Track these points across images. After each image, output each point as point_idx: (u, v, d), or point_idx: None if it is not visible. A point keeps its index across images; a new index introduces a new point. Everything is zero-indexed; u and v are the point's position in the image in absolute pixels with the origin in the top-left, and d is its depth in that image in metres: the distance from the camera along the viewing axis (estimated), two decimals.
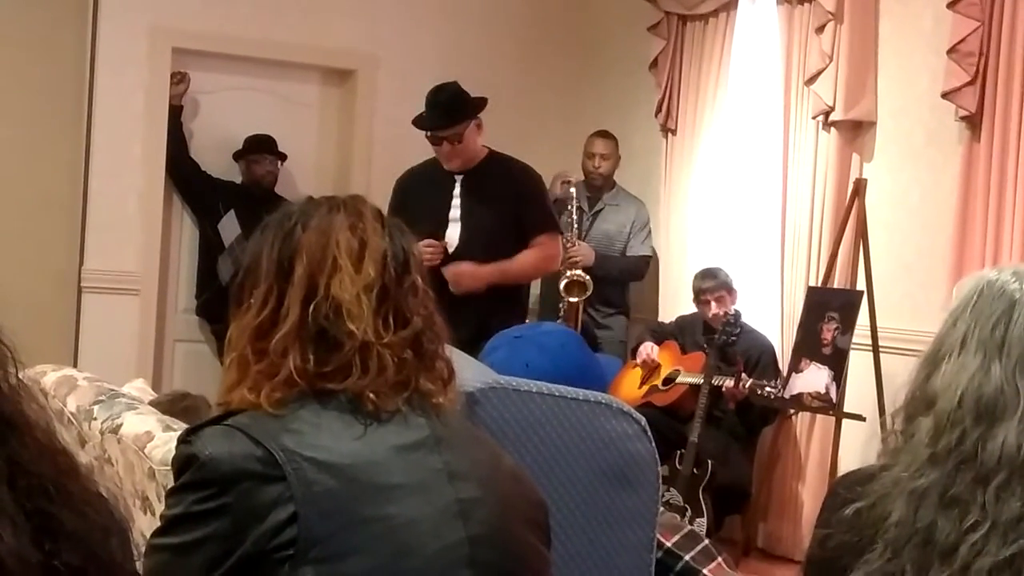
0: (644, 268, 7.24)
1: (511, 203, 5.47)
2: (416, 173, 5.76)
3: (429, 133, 5.59)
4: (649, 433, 2.34)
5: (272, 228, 1.97)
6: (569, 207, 6.86)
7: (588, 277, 6.75)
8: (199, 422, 1.88)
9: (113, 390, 3.54)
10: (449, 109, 5.57)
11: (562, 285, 6.70)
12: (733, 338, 6.32)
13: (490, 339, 2.73)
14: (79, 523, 1.21)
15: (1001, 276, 1.80)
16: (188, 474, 1.81)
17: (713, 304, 6.46)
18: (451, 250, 5.47)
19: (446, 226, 5.52)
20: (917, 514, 1.68)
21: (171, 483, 1.88)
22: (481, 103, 5.62)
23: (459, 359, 2.06)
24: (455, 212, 5.53)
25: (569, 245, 6.67)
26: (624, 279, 7.21)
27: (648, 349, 6.59)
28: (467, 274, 5.41)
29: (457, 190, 5.54)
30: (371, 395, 1.86)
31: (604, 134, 7.34)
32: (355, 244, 1.92)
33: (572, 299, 6.71)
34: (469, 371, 2.25)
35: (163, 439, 3.08)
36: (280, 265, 1.92)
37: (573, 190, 6.91)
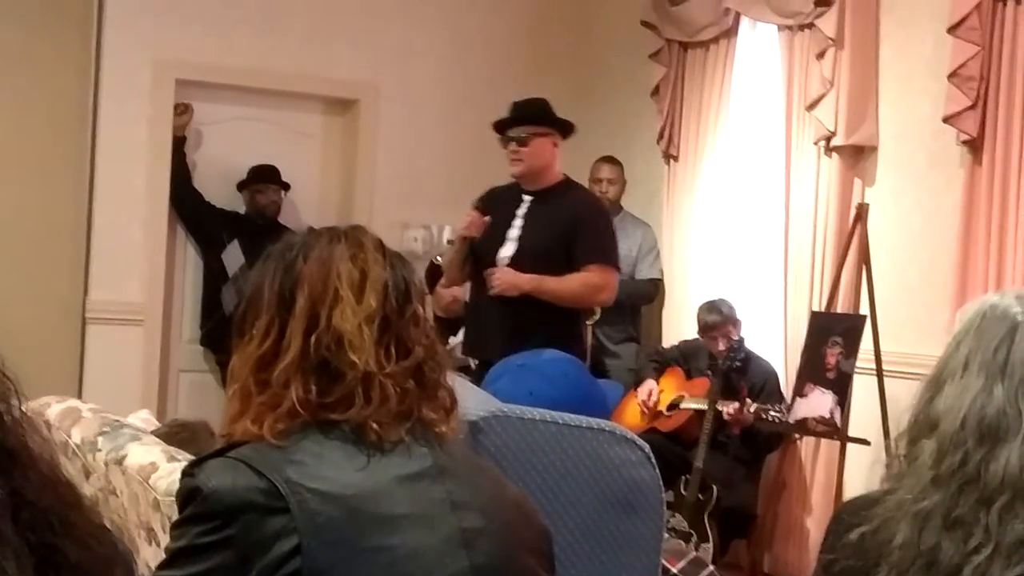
0: (654, 291, 7.24)
1: (567, 228, 5.44)
2: (495, 191, 5.73)
3: (501, 136, 5.58)
4: (653, 460, 2.35)
5: (274, 259, 1.98)
6: None
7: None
8: (203, 455, 1.88)
9: (117, 421, 3.54)
10: (526, 111, 5.60)
11: None
12: (738, 364, 6.31)
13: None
14: (83, 555, 1.21)
15: (1004, 300, 1.81)
16: (192, 507, 1.81)
17: (720, 340, 6.45)
18: (501, 266, 5.44)
19: (503, 243, 5.50)
20: (921, 537, 1.68)
21: (175, 514, 1.88)
22: (566, 124, 5.62)
23: (461, 388, 2.06)
24: (514, 231, 5.49)
25: None
26: (633, 303, 7.20)
27: (648, 391, 6.56)
28: (507, 275, 5.39)
29: (522, 210, 5.52)
30: (374, 425, 1.87)
31: (610, 159, 7.36)
32: (356, 275, 1.93)
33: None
34: (472, 399, 2.25)
35: (167, 469, 3.09)
36: (282, 296, 1.93)
37: None
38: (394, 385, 1.89)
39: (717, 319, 6.48)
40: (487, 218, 5.46)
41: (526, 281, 5.37)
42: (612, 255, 5.57)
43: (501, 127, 5.60)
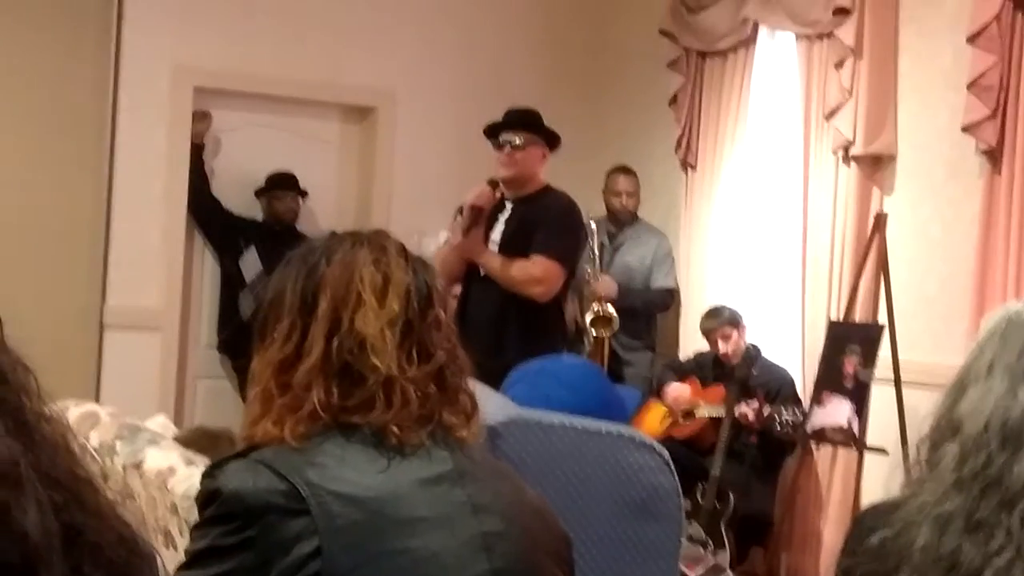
0: (669, 300, 7.24)
1: (536, 229, 5.52)
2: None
3: (495, 139, 5.65)
4: (671, 465, 2.35)
5: (296, 263, 1.98)
6: (590, 243, 6.86)
7: (615, 313, 6.75)
8: (223, 457, 1.89)
9: (135, 425, 3.56)
10: (523, 117, 5.70)
11: (588, 320, 6.70)
12: (754, 371, 6.32)
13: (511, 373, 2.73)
14: (105, 536, 1.22)
15: None
16: (212, 508, 1.82)
17: (721, 343, 6.48)
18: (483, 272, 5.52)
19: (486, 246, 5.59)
20: (942, 539, 1.68)
21: (193, 517, 1.89)
22: (555, 135, 5.69)
23: (480, 393, 2.07)
24: (496, 235, 5.58)
25: (591, 280, 6.68)
26: (648, 311, 7.21)
27: (676, 392, 6.57)
28: (472, 241, 5.49)
29: (505, 215, 5.60)
30: (395, 429, 1.87)
31: (626, 170, 7.36)
32: (379, 279, 1.93)
33: (598, 334, 6.71)
34: (491, 405, 2.25)
35: (185, 474, 3.10)
36: (304, 299, 1.93)
37: (594, 225, 6.91)
38: (415, 389, 1.89)
39: (715, 322, 6.51)
40: (498, 192, 5.52)
41: (477, 248, 5.50)
42: (561, 252, 5.54)
43: (494, 131, 5.67)
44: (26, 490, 1.14)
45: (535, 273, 5.46)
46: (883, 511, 1.83)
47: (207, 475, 1.85)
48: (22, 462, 1.15)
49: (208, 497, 1.82)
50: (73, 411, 3.74)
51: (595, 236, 6.91)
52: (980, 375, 1.78)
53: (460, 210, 5.57)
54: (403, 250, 2.00)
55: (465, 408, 1.96)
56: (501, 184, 5.59)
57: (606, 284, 6.88)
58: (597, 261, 6.87)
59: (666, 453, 2.36)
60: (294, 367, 1.89)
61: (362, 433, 1.87)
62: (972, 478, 1.71)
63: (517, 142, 5.57)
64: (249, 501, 1.78)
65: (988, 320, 1.87)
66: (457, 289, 5.56)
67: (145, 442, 3.42)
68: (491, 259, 5.49)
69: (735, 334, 6.48)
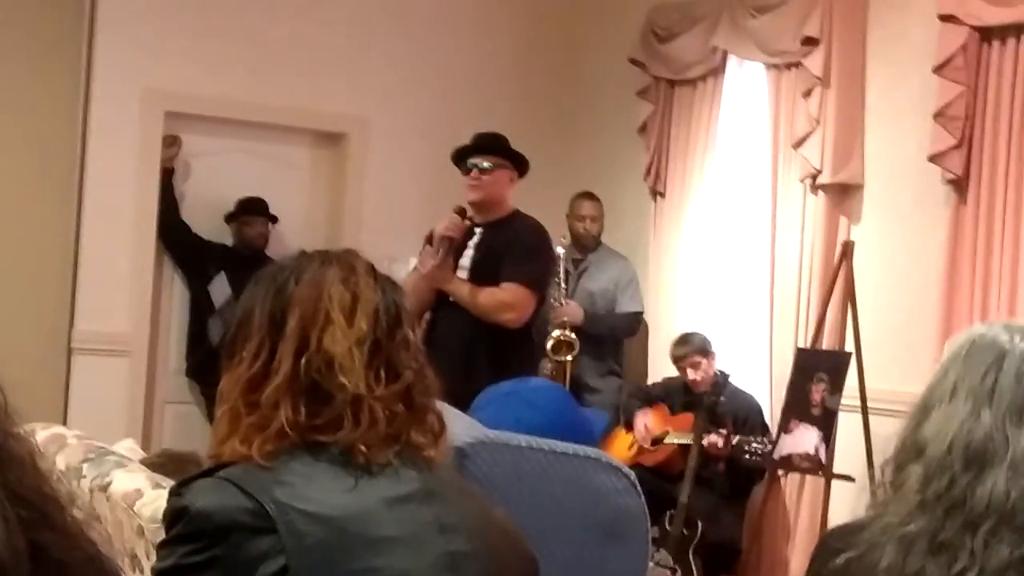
0: (636, 324, 7.24)
1: (506, 255, 5.52)
2: None
3: (463, 164, 5.65)
4: (638, 488, 2.35)
5: (265, 281, 1.98)
6: (556, 268, 6.87)
7: (575, 337, 6.76)
8: (190, 475, 1.89)
9: (102, 448, 3.53)
10: (491, 141, 5.71)
11: (549, 345, 6.70)
12: (721, 398, 6.33)
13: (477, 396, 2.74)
14: (67, 554, 1.22)
15: (992, 329, 1.84)
16: (179, 526, 1.81)
17: (690, 370, 6.50)
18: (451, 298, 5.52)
19: (455, 272, 5.58)
20: (906, 560, 1.69)
21: (160, 539, 1.88)
22: (523, 160, 5.70)
23: (448, 414, 2.07)
24: (466, 260, 5.57)
25: (556, 305, 6.69)
26: (615, 336, 7.21)
27: (643, 424, 6.58)
28: (440, 270, 5.48)
29: (474, 240, 5.59)
30: (362, 448, 1.87)
31: (590, 195, 7.36)
32: (347, 298, 1.94)
33: (559, 358, 6.71)
34: (458, 426, 2.26)
35: (152, 496, 3.08)
36: (273, 318, 1.93)
37: (562, 251, 6.93)
38: (383, 408, 1.90)
39: (685, 349, 6.53)
40: (467, 221, 5.52)
41: (445, 277, 5.49)
42: (532, 278, 5.56)
43: (462, 156, 5.68)
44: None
45: (505, 299, 5.46)
46: (848, 532, 1.84)
47: (174, 493, 1.85)
48: None
49: (175, 515, 1.82)
50: (40, 434, 3.71)
51: (562, 262, 6.92)
52: (944, 397, 1.79)
53: (429, 238, 5.57)
54: (372, 269, 2.01)
55: (433, 428, 1.96)
56: (470, 209, 5.60)
57: (572, 310, 6.88)
58: (562, 287, 6.87)
59: (633, 475, 2.36)
60: (262, 385, 1.89)
61: (330, 452, 1.87)
62: (936, 499, 1.72)
63: (485, 165, 5.57)
64: (216, 519, 1.78)
65: (952, 342, 1.89)
66: (427, 316, 5.56)
67: (112, 465, 3.40)
68: (460, 287, 5.48)
69: (705, 362, 6.50)
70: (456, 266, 5.57)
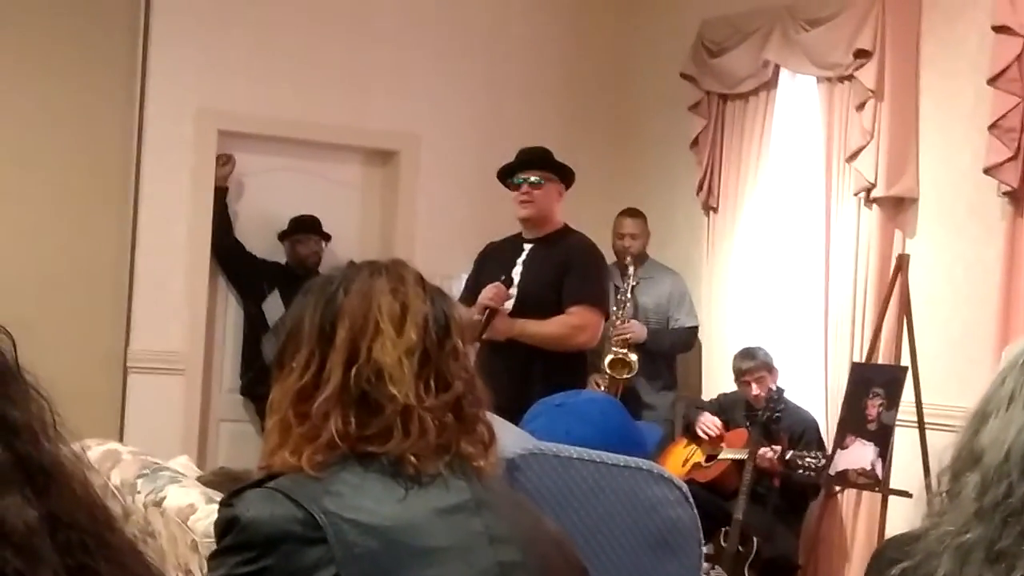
0: (693, 340, 7.22)
1: (561, 272, 5.50)
2: (495, 244, 5.87)
3: (511, 180, 5.65)
4: (690, 499, 2.34)
5: (315, 292, 1.99)
6: (618, 285, 6.87)
7: (634, 357, 6.73)
8: (241, 485, 1.89)
9: (157, 463, 3.56)
10: (538, 156, 5.71)
11: (607, 361, 6.68)
12: (777, 415, 6.29)
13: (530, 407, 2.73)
14: (118, 574, 1.22)
15: None
16: (230, 537, 1.81)
17: (754, 385, 6.45)
18: (507, 315, 5.49)
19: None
20: (963, 570, 1.67)
21: (212, 550, 1.88)
22: (570, 172, 5.69)
23: (499, 425, 2.06)
24: (515, 278, 5.56)
25: (619, 323, 6.68)
26: (676, 351, 7.19)
27: (708, 422, 6.55)
28: (498, 321, 5.44)
29: (523, 257, 5.59)
30: (412, 458, 1.87)
31: (632, 212, 7.32)
32: (397, 308, 1.94)
33: (614, 374, 6.69)
34: (509, 437, 2.25)
35: (206, 511, 3.09)
36: (322, 329, 1.93)
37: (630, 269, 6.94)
38: (433, 419, 1.89)
39: (751, 364, 6.48)
40: (512, 290, 5.49)
41: (508, 327, 5.41)
42: (596, 297, 5.59)
43: (508, 172, 5.67)
44: (43, 560, 1.14)
45: (578, 324, 5.46)
46: (904, 542, 1.82)
47: (225, 503, 1.85)
48: (38, 529, 1.15)
49: (226, 525, 1.82)
50: (94, 450, 3.74)
51: (627, 278, 6.91)
52: (1001, 404, 1.77)
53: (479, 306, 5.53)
54: (421, 279, 2.01)
55: (483, 438, 1.96)
56: (523, 233, 5.58)
57: (636, 328, 6.84)
58: (626, 304, 6.84)
59: (685, 486, 2.35)
60: (312, 396, 1.89)
61: (380, 462, 1.86)
62: (993, 508, 1.70)
63: (534, 179, 5.57)
64: (267, 530, 1.78)
65: (1010, 350, 1.86)
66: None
67: (167, 480, 3.42)
68: (527, 328, 5.44)
69: (769, 377, 6.45)
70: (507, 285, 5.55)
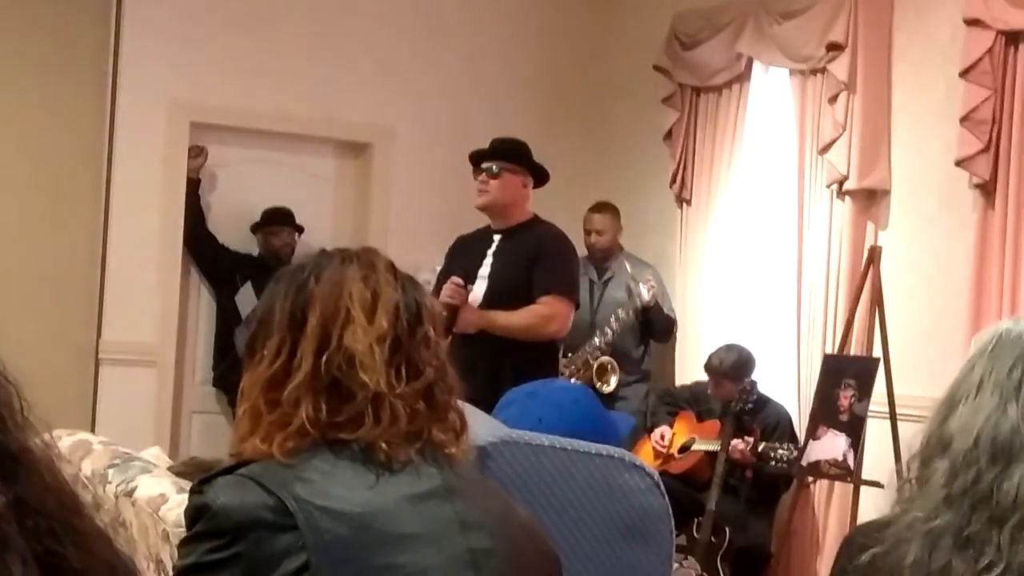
0: (672, 331, 7.25)
1: (530, 262, 5.49)
2: (464, 237, 5.84)
3: (474, 168, 5.65)
4: (662, 487, 2.34)
5: (286, 280, 1.98)
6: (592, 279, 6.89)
7: (614, 361, 6.76)
8: (211, 473, 1.88)
9: (128, 454, 3.55)
10: (503, 146, 5.68)
11: (594, 368, 6.70)
12: (750, 406, 6.30)
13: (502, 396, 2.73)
14: (86, 561, 1.21)
15: (1018, 324, 1.84)
16: (200, 524, 1.81)
17: (713, 384, 6.46)
18: (476, 306, 5.47)
19: (474, 283, 5.53)
20: (932, 555, 1.68)
21: (182, 537, 1.88)
22: (540, 169, 5.67)
23: (470, 413, 2.06)
24: (485, 270, 5.54)
25: (610, 334, 6.74)
26: (663, 336, 7.20)
27: (660, 434, 6.56)
28: (467, 313, 5.42)
29: (492, 249, 5.57)
30: (383, 445, 1.87)
31: (599, 208, 7.29)
32: (368, 295, 1.93)
33: (606, 388, 6.70)
34: (481, 425, 2.25)
35: (177, 501, 3.08)
36: (293, 316, 1.93)
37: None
38: (404, 406, 1.89)
39: (714, 365, 6.44)
40: (470, 287, 5.48)
41: (478, 318, 5.40)
42: (566, 287, 5.54)
43: (476, 160, 5.66)
44: (11, 545, 1.14)
45: (547, 313, 5.43)
46: (873, 528, 1.83)
47: (195, 490, 1.85)
48: (6, 514, 1.14)
49: (196, 512, 1.82)
50: (65, 440, 3.73)
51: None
52: (970, 391, 1.78)
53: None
54: (392, 267, 2.00)
55: (454, 425, 1.96)
56: (492, 225, 5.57)
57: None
58: (615, 326, 6.85)
59: (656, 475, 2.35)
60: (283, 384, 1.89)
61: (351, 449, 1.86)
62: (962, 494, 1.71)
63: (494, 170, 5.55)
64: (237, 516, 1.78)
65: (979, 337, 1.88)
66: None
67: (138, 470, 3.41)
68: (496, 319, 5.41)
69: (729, 385, 6.40)
70: (475, 277, 5.54)
